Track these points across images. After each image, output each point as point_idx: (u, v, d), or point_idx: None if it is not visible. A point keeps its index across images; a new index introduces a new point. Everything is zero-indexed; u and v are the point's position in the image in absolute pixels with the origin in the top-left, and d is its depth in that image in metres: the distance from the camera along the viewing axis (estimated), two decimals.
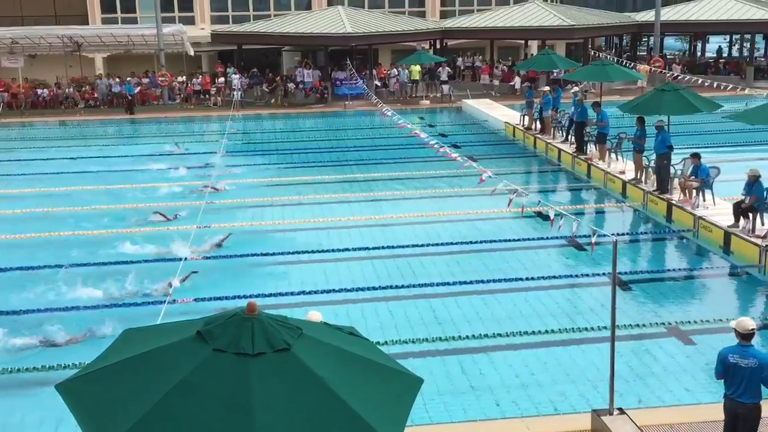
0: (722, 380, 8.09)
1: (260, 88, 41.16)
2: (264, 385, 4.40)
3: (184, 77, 41.08)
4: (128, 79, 39.85)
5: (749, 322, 7.97)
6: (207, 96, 40.16)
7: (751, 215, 15.71)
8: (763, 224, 15.60)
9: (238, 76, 40.04)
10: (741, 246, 15.52)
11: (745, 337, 7.88)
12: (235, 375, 4.45)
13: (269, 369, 4.49)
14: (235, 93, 38.81)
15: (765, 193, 15.40)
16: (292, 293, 13.86)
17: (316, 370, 4.50)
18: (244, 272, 14.86)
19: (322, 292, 13.97)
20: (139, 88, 39.94)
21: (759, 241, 15.04)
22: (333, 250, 16.43)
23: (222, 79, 41.19)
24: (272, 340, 4.60)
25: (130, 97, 38.17)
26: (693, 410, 9.56)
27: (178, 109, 38.98)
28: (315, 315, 9.38)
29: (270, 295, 13.58)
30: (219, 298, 13.46)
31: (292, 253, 16.26)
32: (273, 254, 16.13)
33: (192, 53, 42.63)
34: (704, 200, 17.80)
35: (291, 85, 40.68)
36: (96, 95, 39.84)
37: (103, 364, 4.79)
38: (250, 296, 12.40)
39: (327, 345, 4.87)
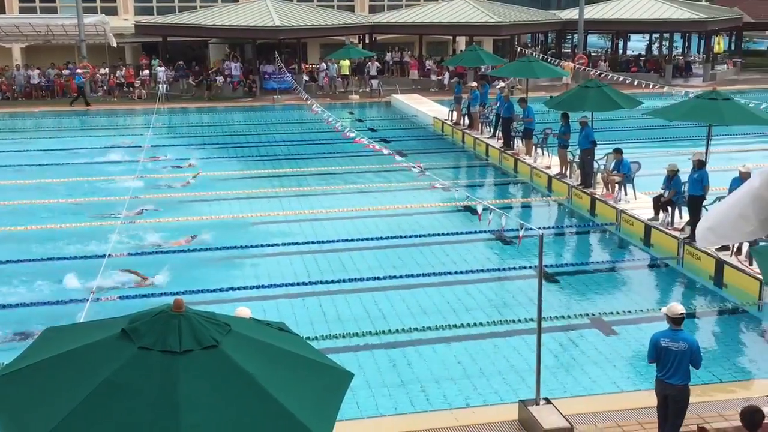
0: (654, 364, 8.37)
1: (186, 81, 40.43)
2: (191, 384, 4.32)
3: (107, 69, 40.02)
4: (78, 70, 38.56)
5: (679, 307, 8.32)
6: (131, 89, 39.22)
7: (670, 209, 16.23)
8: (681, 217, 16.13)
9: (163, 68, 39.22)
10: (660, 238, 16.02)
11: (675, 321, 8.23)
12: (161, 373, 4.35)
13: (197, 366, 4.41)
14: (160, 86, 38.00)
15: (683, 187, 15.91)
16: (220, 289, 13.67)
17: (245, 366, 4.45)
18: (171, 269, 14.58)
19: (252, 287, 13.84)
20: (84, 79, 38.77)
21: (677, 234, 15.56)
22: (262, 245, 16.29)
23: (147, 72, 40.30)
24: (200, 337, 4.53)
25: (79, 88, 36.96)
26: (615, 398, 9.84)
27: (101, 101, 37.95)
28: (244, 311, 9.27)
29: (197, 291, 13.36)
30: (145, 296, 13.18)
31: (220, 248, 16.04)
32: (200, 250, 15.88)
33: (115, 44, 41.57)
34: (626, 194, 18.30)
35: (219, 79, 40.07)
36: (13, 87, 38.42)
37: (24, 363, 4.63)
38: (176, 293, 12.19)
39: (256, 341, 4.82)
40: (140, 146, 25.79)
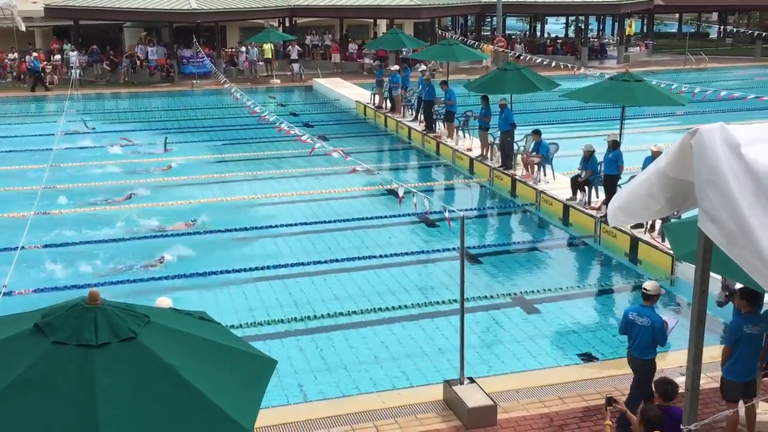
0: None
1: (101, 66, 39.22)
2: (109, 377, 4.21)
3: (16, 54, 38.48)
4: (35, 54, 37.03)
5: (651, 285, 8.67)
6: (42, 74, 37.83)
7: (587, 188, 16.66)
8: (597, 197, 16.58)
9: (75, 53, 37.96)
10: (578, 218, 16.44)
11: (647, 297, 8.55)
12: (77, 368, 4.22)
13: (115, 360, 4.30)
14: (73, 71, 36.77)
15: (599, 167, 16.34)
16: (141, 280, 13.39)
17: (165, 357, 4.36)
18: (88, 258, 14.20)
19: (174, 277, 13.58)
20: (44, 63, 37.41)
21: (594, 213, 15.99)
22: (183, 234, 15.99)
23: (58, 57, 38.92)
24: (117, 329, 4.41)
25: (36, 73, 35.68)
26: (537, 375, 10.07)
27: (11, 88, 36.48)
28: (164, 301, 9.10)
29: (117, 283, 13.07)
30: (59, 288, 12.80)
31: (139, 238, 15.69)
32: (117, 241, 15.50)
33: (23, 29, 39.91)
34: (545, 175, 18.69)
35: (135, 62, 39.02)
36: None
37: None
38: (88, 285, 11.90)
39: (176, 331, 4.73)
40: (52, 134, 24.91)
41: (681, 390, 7.23)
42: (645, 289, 8.64)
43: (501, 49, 39.49)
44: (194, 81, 37.38)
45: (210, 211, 17.60)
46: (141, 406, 4.18)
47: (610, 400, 6.91)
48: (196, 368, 4.46)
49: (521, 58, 33.87)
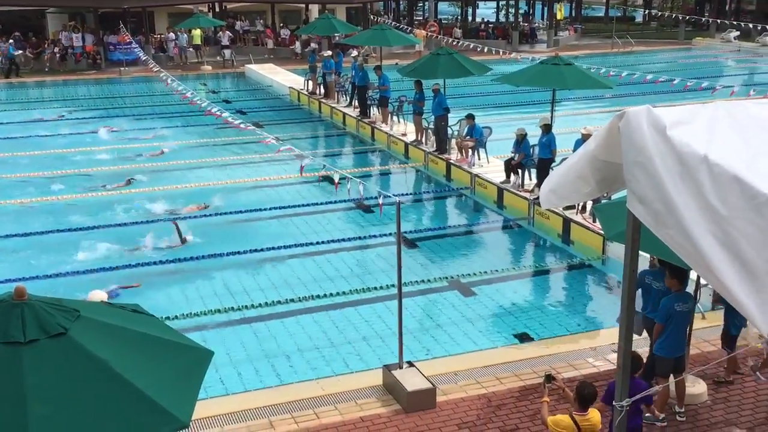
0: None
1: (24, 54, 37.89)
2: (39, 375, 4.10)
3: None
4: (10, 41, 35.79)
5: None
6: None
7: (520, 171, 16.89)
8: (531, 179, 16.83)
9: None
10: (512, 200, 16.67)
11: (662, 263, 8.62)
12: (4, 366, 4.11)
13: (44, 356, 4.19)
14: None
15: (531, 150, 16.58)
16: (77, 272, 13.05)
17: (96, 352, 4.26)
18: (20, 252, 13.79)
19: (109, 269, 13.26)
20: (19, 52, 36.20)
21: (528, 195, 16.23)
22: (117, 225, 15.62)
23: None
24: (46, 324, 4.29)
25: (11, 60, 34.66)
26: (474, 357, 10.18)
27: None
28: (98, 294, 8.94)
29: (51, 276, 12.72)
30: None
31: (75, 230, 15.28)
32: (48, 232, 15.07)
33: None
34: (479, 159, 18.88)
35: (58, 49, 37.82)
36: None
37: None
38: (20, 279, 11.60)
39: (108, 325, 4.63)
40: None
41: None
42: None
43: (433, 34, 39.65)
44: (122, 68, 36.49)
45: (142, 200, 17.24)
46: (73, 403, 4.09)
47: (549, 378, 7.04)
48: (130, 362, 4.37)
49: (453, 43, 33.98)
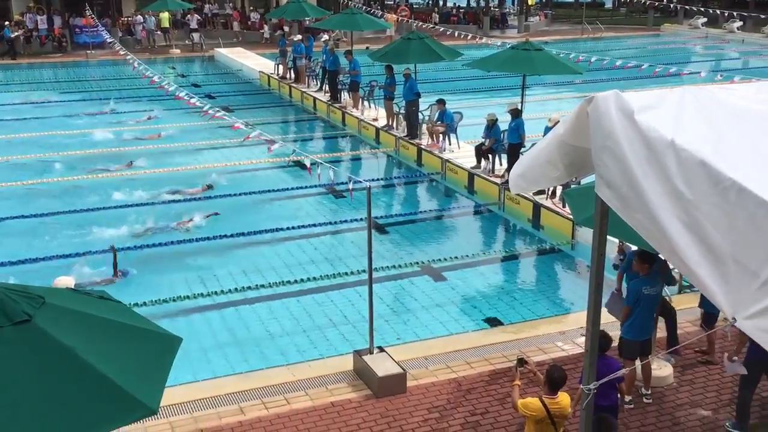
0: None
1: None
2: (3, 362, 4.03)
3: None
4: (6, 23, 35.24)
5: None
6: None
7: (490, 156, 16.94)
8: (501, 164, 16.89)
9: None
10: (483, 185, 16.73)
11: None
12: None
13: (8, 344, 4.11)
14: None
15: (502, 135, 16.63)
16: (43, 258, 12.87)
17: (62, 339, 4.19)
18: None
19: (75, 255, 13.07)
20: (17, 33, 35.59)
21: (498, 180, 16.29)
22: (86, 210, 15.42)
23: None
24: (10, 311, 4.21)
25: (9, 41, 34.33)
26: (445, 341, 10.23)
27: None
28: (65, 280, 8.79)
29: (18, 262, 12.55)
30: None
31: (37, 215, 15.05)
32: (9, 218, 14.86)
33: None
34: (450, 144, 18.90)
35: (23, 31, 37.12)
36: None
37: None
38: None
39: (74, 312, 4.56)
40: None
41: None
42: None
43: (404, 19, 39.53)
44: (88, 51, 35.93)
45: (114, 185, 17.02)
46: (38, 390, 4.02)
47: (521, 362, 7.10)
48: (97, 349, 4.32)
49: (424, 27, 33.91)
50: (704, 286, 3.65)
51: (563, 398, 6.69)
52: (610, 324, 9.11)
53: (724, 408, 8.52)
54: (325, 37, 35.35)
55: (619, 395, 7.75)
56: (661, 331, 9.28)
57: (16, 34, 36.48)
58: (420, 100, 19.88)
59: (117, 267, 12.39)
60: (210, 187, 16.70)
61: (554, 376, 6.66)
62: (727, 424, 8.21)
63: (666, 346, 9.26)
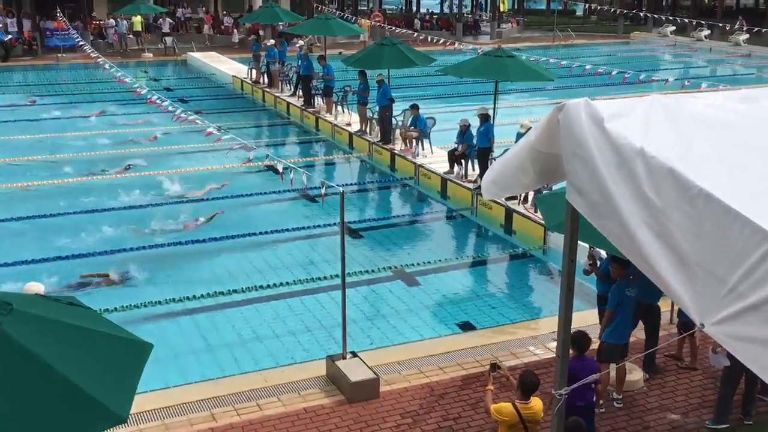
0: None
1: None
2: None
3: None
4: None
5: None
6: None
7: (463, 162, 17.01)
8: (474, 170, 16.96)
9: None
10: (456, 191, 16.79)
11: None
12: None
13: None
14: None
15: (474, 140, 16.70)
16: (6, 264, 12.69)
17: (30, 347, 4.14)
18: None
19: (40, 261, 12.91)
20: (9, 36, 35.07)
21: (471, 186, 16.36)
22: (52, 215, 15.24)
23: None
24: None
25: (4, 44, 33.97)
26: (418, 346, 10.25)
27: None
28: (34, 286, 8.70)
29: None
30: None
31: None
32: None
33: None
34: (423, 149, 18.95)
35: None
36: None
37: None
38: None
39: (43, 319, 4.50)
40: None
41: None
42: None
43: (378, 24, 39.61)
44: (60, 54, 35.55)
45: (80, 190, 16.84)
46: (5, 399, 3.97)
47: (495, 366, 7.13)
48: (65, 356, 4.27)
49: (398, 32, 34.01)
50: (673, 293, 3.70)
51: (536, 403, 6.73)
52: (585, 327, 9.19)
53: (693, 411, 8.63)
54: (300, 42, 35.32)
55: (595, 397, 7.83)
56: (634, 336, 9.36)
57: None
58: (394, 105, 19.92)
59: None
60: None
61: (526, 381, 6.71)
62: (707, 422, 8.32)
63: (643, 351, 9.36)
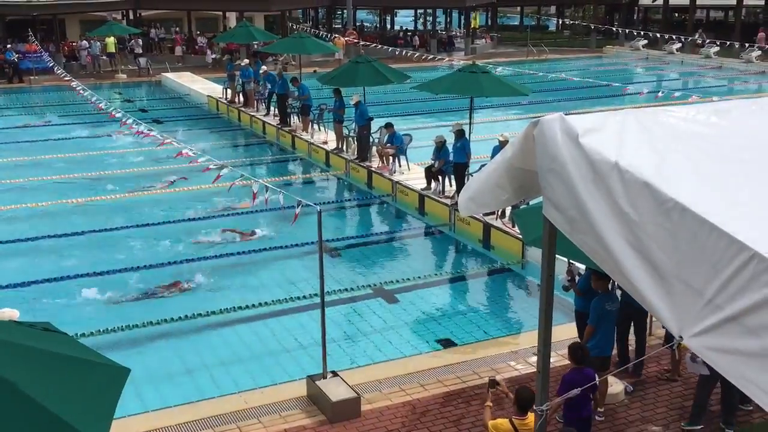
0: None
1: None
2: None
3: None
4: (8, 45, 34.64)
5: None
6: None
7: (440, 178, 17.05)
8: (451, 186, 17.00)
9: None
10: (433, 207, 16.81)
11: None
12: None
13: None
14: None
15: (451, 156, 16.74)
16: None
17: (3, 374, 4.06)
18: None
19: (14, 285, 12.74)
20: (17, 55, 35.14)
21: (448, 202, 16.39)
22: (29, 239, 15.06)
23: None
24: None
25: (12, 64, 34.17)
26: (399, 364, 10.19)
27: None
28: (8, 313, 8.56)
29: None
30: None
31: None
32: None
33: None
34: (400, 166, 18.98)
35: None
36: None
37: None
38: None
39: (16, 345, 4.42)
40: None
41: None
42: None
43: (353, 42, 39.74)
44: (32, 77, 35.29)
45: (63, 214, 16.67)
46: None
47: (493, 383, 7.12)
48: (40, 383, 4.19)
49: (373, 49, 34.10)
50: (651, 306, 3.71)
51: (533, 419, 6.71)
52: (559, 343, 9.20)
53: (674, 423, 8.65)
54: (264, 67, 35.40)
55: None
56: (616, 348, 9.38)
57: None
58: (371, 123, 19.94)
59: None
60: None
61: (523, 396, 6.70)
62: (682, 424, 8.38)
63: (622, 364, 9.41)
